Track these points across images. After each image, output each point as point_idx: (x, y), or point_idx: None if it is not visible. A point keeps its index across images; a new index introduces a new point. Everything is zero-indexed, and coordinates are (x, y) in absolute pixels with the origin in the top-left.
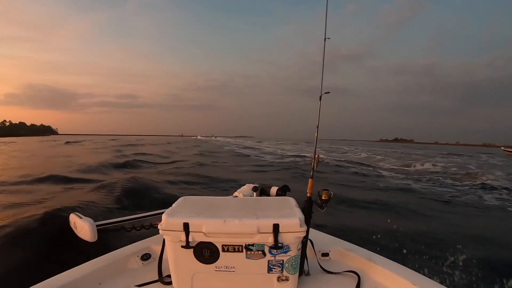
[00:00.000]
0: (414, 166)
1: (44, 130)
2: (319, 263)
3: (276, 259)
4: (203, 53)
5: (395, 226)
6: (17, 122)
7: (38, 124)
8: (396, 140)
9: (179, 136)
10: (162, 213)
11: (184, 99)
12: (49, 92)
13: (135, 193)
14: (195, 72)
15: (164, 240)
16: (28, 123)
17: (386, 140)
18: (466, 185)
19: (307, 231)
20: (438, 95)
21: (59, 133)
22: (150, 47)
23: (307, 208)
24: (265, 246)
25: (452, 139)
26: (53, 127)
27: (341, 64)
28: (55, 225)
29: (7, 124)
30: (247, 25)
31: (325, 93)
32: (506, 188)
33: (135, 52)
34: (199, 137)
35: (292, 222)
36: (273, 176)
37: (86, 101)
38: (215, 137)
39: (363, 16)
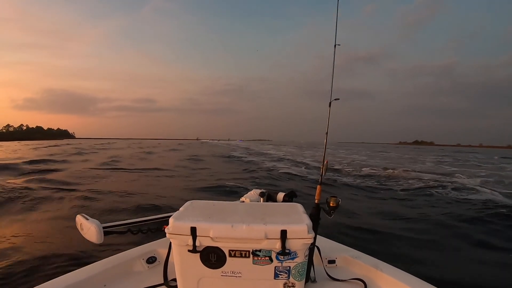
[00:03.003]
0: None
1: (60, 134)
2: (325, 270)
3: (283, 265)
4: (220, 58)
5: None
6: (34, 126)
7: (55, 128)
8: (416, 142)
9: (195, 139)
10: (169, 216)
11: (201, 103)
12: (68, 96)
13: None
14: (212, 77)
15: (170, 243)
16: (45, 127)
17: (405, 143)
18: None
19: (315, 238)
20: (457, 96)
21: (76, 137)
22: (166, 52)
23: (315, 215)
24: (272, 252)
25: (475, 141)
26: (71, 131)
27: (359, 66)
28: None
29: (24, 128)
30: (263, 29)
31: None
32: None
33: (152, 57)
34: (209, 140)
35: (300, 229)
36: None
37: (104, 106)
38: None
39: (381, 17)
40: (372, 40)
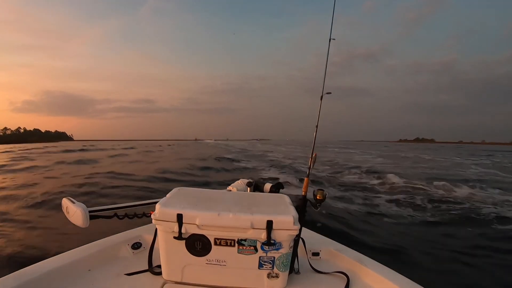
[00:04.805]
0: None
1: (57, 137)
2: (309, 262)
3: (268, 255)
4: (219, 56)
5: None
6: (32, 129)
7: (53, 130)
8: (417, 140)
9: (193, 140)
10: (156, 202)
11: (200, 102)
12: (66, 98)
13: None
14: (212, 75)
15: (156, 230)
16: (43, 130)
17: (406, 140)
18: None
19: (300, 230)
20: (457, 93)
21: (75, 139)
22: (165, 51)
23: (301, 207)
24: (258, 242)
25: (477, 138)
26: (69, 133)
27: (359, 64)
28: None
29: (22, 131)
30: (263, 27)
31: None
32: None
33: (150, 57)
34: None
35: (286, 220)
36: None
37: (103, 107)
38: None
39: (381, 14)
40: (371, 37)
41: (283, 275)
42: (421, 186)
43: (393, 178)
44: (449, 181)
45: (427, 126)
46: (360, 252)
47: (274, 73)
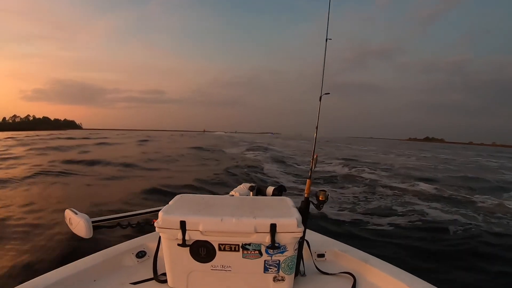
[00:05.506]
0: None
1: (66, 125)
2: (314, 264)
3: (273, 259)
4: (230, 50)
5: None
6: (41, 117)
7: (62, 119)
8: (427, 139)
9: (202, 131)
10: (158, 210)
11: (210, 94)
12: (76, 87)
13: None
14: (222, 69)
15: (160, 237)
16: (53, 118)
17: (416, 139)
18: None
19: (304, 232)
20: (469, 93)
21: (84, 127)
22: (175, 44)
23: (304, 209)
24: (262, 246)
25: (488, 139)
26: (78, 121)
27: (371, 60)
28: None
29: (31, 118)
30: (273, 22)
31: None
32: None
33: (161, 49)
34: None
35: (289, 222)
36: None
37: (113, 96)
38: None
39: (395, 10)
40: (384, 33)
41: (289, 278)
42: (461, 192)
43: (422, 184)
44: (489, 185)
45: (436, 125)
46: (365, 252)
47: (284, 67)
